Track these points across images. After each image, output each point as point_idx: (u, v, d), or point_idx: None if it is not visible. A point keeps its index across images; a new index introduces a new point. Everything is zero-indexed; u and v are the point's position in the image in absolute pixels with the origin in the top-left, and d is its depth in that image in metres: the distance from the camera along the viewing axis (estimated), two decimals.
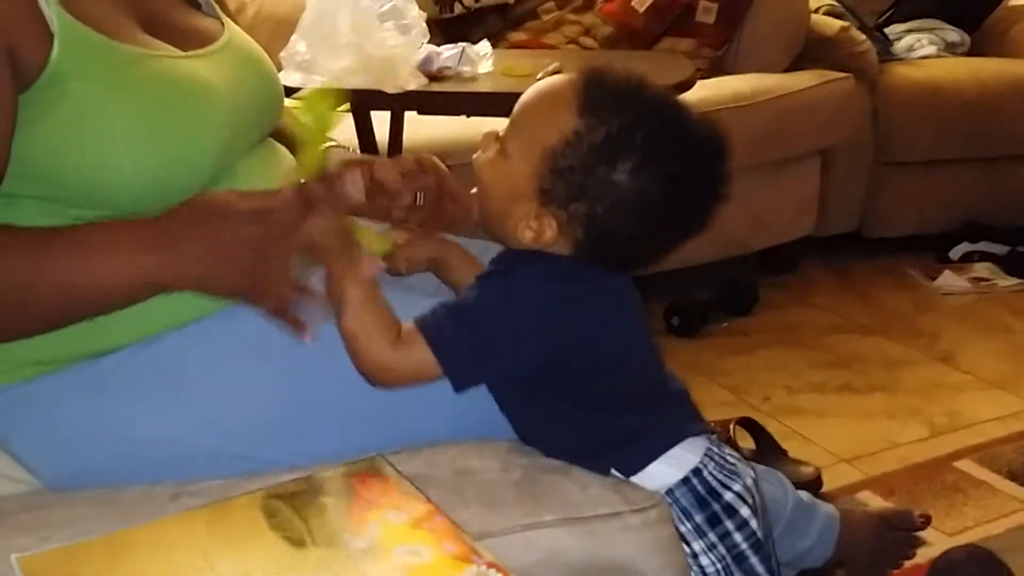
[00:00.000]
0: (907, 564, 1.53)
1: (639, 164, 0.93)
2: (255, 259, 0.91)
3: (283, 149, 1.18)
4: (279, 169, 1.12)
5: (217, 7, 1.17)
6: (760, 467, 1.30)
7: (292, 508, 0.87)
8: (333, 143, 1.23)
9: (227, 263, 0.92)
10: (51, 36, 0.90)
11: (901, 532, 1.56)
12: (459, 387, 0.95)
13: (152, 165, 0.94)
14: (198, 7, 1.15)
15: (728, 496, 1.04)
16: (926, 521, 1.56)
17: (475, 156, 1.01)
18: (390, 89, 1.65)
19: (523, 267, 0.98)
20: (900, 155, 2.91)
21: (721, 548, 1.03)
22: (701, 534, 1.03)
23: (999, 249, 2.92)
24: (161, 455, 0.98)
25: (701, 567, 1.03)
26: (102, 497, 0.96)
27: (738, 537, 1.04)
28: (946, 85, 2.94)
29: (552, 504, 0.95)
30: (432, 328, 0.94)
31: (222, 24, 1.14)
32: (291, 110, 1.13)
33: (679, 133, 0.96)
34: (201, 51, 1.05)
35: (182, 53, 1.02)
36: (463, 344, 0.94)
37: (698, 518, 1.02)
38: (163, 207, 0.93)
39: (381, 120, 2.01)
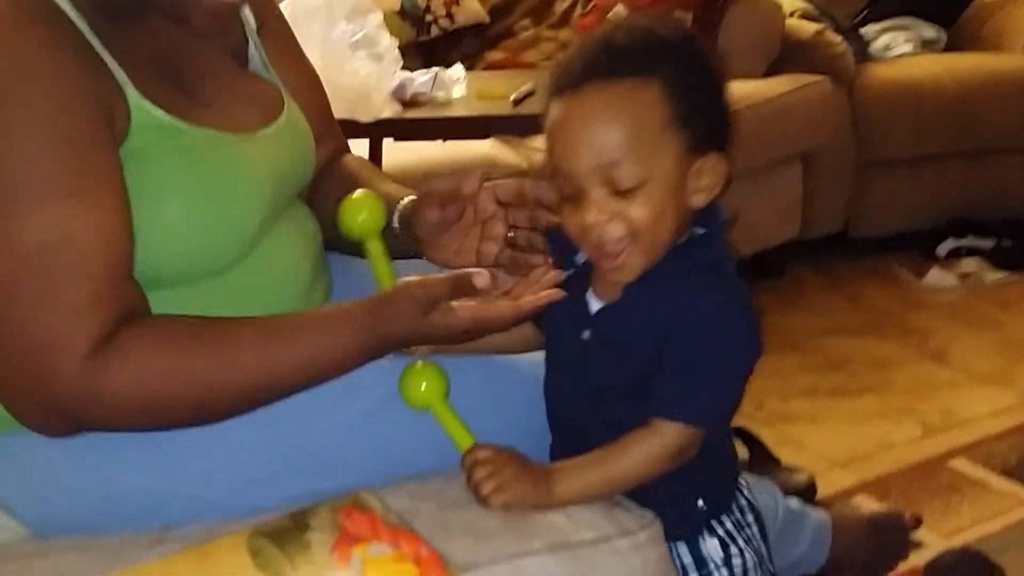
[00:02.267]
0: (902, 567, 1.53)
1: (696, 55, 0.96)
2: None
3: (307, 209, 1.20)
4: (306, 227, 1.15)
5: (271, 67, 1.17)
6: (751, 477, 1.30)
7: (277, 546, 0.87)
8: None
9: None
10: (129, 116, 0.94)
11: (894, 535, 1.56)
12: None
13: (190, 248, 0.98)
14: (246, 62, 1.15)
15: (747, 494, 1.08)
16: (917, 522, 1.57)
17: (595, 217, 0.92)
18: (364, 118, 1.66)
19: (693, 276, 0.95)
20: (881, 155, 2.92)
21: (753, 542, 1.06)
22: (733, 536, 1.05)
23: (985, 243, 2.93)
24: (142, 505, 0.98)
25: (732, 570, 1.04)
26: (86, 544, 0.96)
27: (755, 530, 1.08)
28: (924, 83, 2.95)
29: (539, 531, 0.94)
30: (684, 412, 0.94)
31: (279, 90, 1.15)
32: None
33: (679, 27, 1.04)
34: (261, 133, 1.08)
35: (240, 134, 1.05)
36: (719, 400, 0.97)
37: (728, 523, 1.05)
38: (192, 281, 0.99)
39: (360, 148, 2.01)
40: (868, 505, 1.79)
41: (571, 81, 0.93)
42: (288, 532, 0.88)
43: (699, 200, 0.95)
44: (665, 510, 0.98)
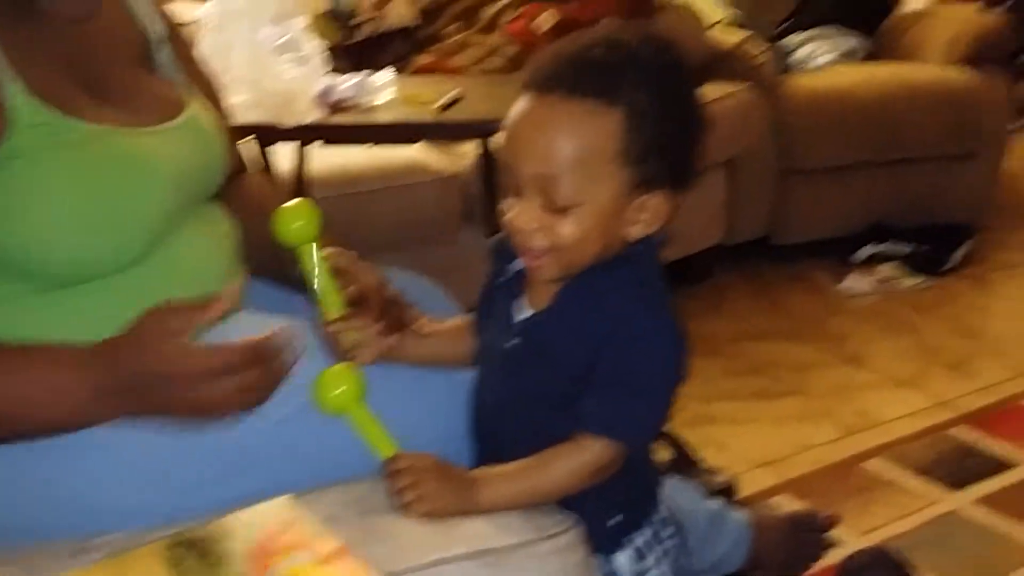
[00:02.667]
0: (818, 565, 1.57)
1: (686, 89, 0.95)
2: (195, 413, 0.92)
3: (221, 211, 1.18)
4: (218, 229, 1.14)
5: (178, 71, 1.17)
6: (672, 480, 1.33)
7: (196, 555, 0.86)
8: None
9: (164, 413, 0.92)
10: (8, 120, 0.92)
11: (811, 534, 1.59)
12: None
13: (86, 244, 0.97)
14: (156, 70, 1.16)
15: (661, 515, 1.09)
16: (833, 522, 1.60)
17: (525, 224, 0.93)
18: (290, 122, 1.65)
19: (624, 291, 0.95)
20: (803, 162, 2.97)
21: (669, 555, 1.07)
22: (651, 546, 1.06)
23: (902, 249, 3.00)
24: (57, 514, 0.96)
25: None
26: (3, 557, 0.94)
27: (670, 543, 1.09)
28: (845, 92, 3.02)
29: (461, 537, 0.95)
30: (611, 429, 0.95)
31: (185, 92, 1.15)
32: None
33: (668, 50, 0.96)
34: (158, 127, 1.07)
35: (138, 128, 1.04)
36: (646, 417, 0.97)
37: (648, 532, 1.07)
38: (93, 278, 0.97)
39: (285, 153, 2.00)
40: (787, 505, 1.83)
41: (540, 82, 0.92)
42: (208, 541, 0.88)
43: (635, 232, 0.95)
44: (583, 524, 0.99)
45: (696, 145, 0.96)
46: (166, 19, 1.21)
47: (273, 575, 0.84)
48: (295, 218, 1.03)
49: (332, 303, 1.03)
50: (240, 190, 1.25)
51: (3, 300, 0.98)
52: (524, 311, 1.01)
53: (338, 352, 1.02)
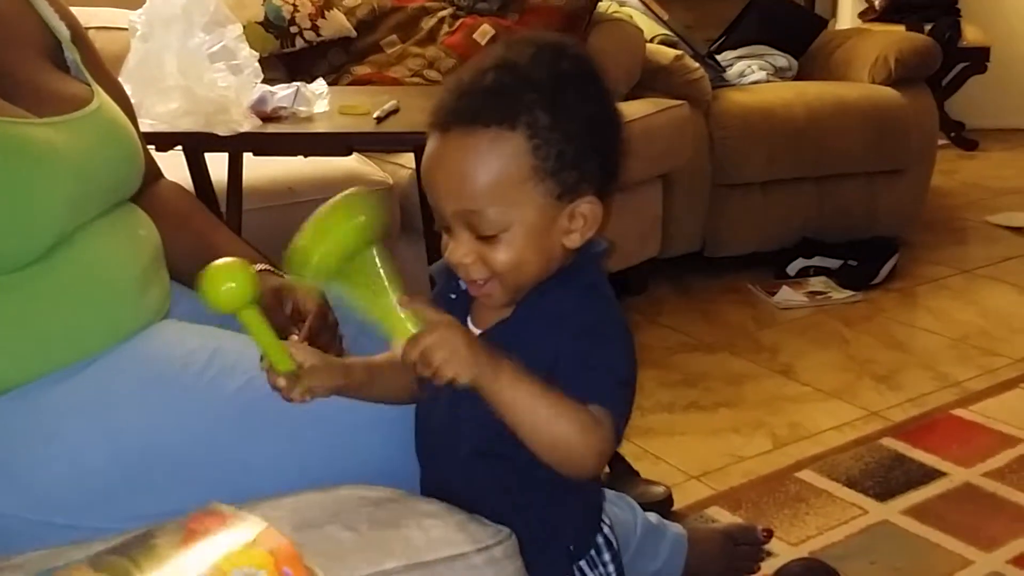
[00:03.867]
0: None
1: (587, 93, 0.94)
2: None
3: (142, 214, 1.15)
4: (135, 231, 1.11)
5: (87, 72, 1.15)
6: (611, 492, 1.33)
7: (121, 555, 0.83)
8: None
9: None
10: None
11: (746, 547, 1.61)
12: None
13: None
14: (67, 71, 1.12)
15: (606, 531, 1.08)
16: (768, 535, 1.62)
17: (460, 258, 0.93)
18: (222, 131, 1.62)
19: (575, 297, 0.95)
20: (736, 177, 3.02)
21: None
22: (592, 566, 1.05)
23: (832, 263, 3.06)
24: None
25: None
26: None
27: (611, 568, 1.07)
28: (776, 108, 3.07)
29: (395, 550, 0.94)
30: (613, 403, 0.93)
31: (92, 91, 1.12)
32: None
33: (563, 58, 0.95)
34: (58, 118, 1.04)
35: (37, 120, 1.00)
36: (628, 405, 0.95)
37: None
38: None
39: (219, 162, 1.97)
40: (722, 516, 1.84)
41: (441, 121, 0.92)
42: (133, 544, 0.85)
43: (572, 241, 0.95)
44: (536, 557, 0.98)
45: (613, 143, 0.97)
46: (70, 22, 1.19)
47: (203, 559, 0.81)
48: (226, 279, 0.89)
49: (278, 359, 0.94)
50: (156, 196, 1.23)
51: None
52: (475, 328, 1.00)
53: (288, 398, 0.96)
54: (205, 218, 1.32)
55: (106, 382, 1.00)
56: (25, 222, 0.96)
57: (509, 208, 0.91)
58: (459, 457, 1.01)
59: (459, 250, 0.93)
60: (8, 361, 0.95)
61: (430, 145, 0.93)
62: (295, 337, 1.10)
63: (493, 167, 0.90)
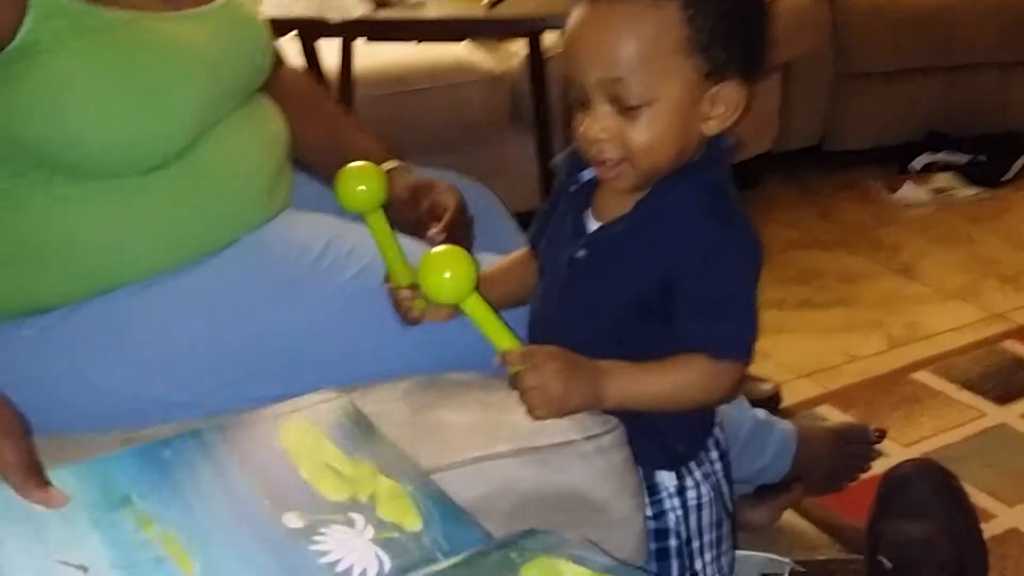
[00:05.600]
0: (864, 476, 1.56)
1: None
2: None
3: (272, 107, 1.15)
4: (267, 126, 1.11)
5: None
6: None
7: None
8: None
9: None
10: (25, 5, 0.89)
11: (857, 446, 1.58)
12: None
13: (123, 135, 0.94)
14: None
15: (715, 431, 1.07)
16: (881, 435, 1.59)
17: (596, 133, 0.91)
18: (335, 17, 1.61)
19: (699, 200, 0.93)
20: (860, 66, 2.89)
21: (712, 478, 1.06)
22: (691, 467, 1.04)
23: (960, 158, 2.93)
24: (109, 405, 0.98)
25: (685, 500, 1.04)
26: (53, 445, 0.96)
27: (718, 466, 1.07)
28: None
29: (504, 435, 0.95)
30: (739, 333, 0.95)
31: None
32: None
33: None
34: (190, 12, 1.03)
35: (170, 13, 1.00)
36: (752, 329, 0.96)
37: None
38: (136, 172, 0.93)
39: (331, 49, 1.97)
40: (832, 415, 1.82)
41: None
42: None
43: (711, 128, 0.93)
44: (643, 442, 0.98)
45: (762, 28, 0.94)
46: None
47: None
48: (358, 181, 0.96)
49: (399, 272, 0.99)
50: (283, 83, 1.23)
51: (40, 192, 0.96)
52: (592, 222, 0.99)
53: (407, 319, 1.00)
54: (334, 108, 1.31)
55: (226, 272, 1.02)
56: (164, 117, 0.96)
57: (657, 79, 0.88)
58: (569, 348, 1.00)
59: (596, 124, 0.90)
60: (147, 253, 0.98)
61: (575, 15, 0.91)
62: (433, 231, 1.10)
63: (646, 32, 0.88)
